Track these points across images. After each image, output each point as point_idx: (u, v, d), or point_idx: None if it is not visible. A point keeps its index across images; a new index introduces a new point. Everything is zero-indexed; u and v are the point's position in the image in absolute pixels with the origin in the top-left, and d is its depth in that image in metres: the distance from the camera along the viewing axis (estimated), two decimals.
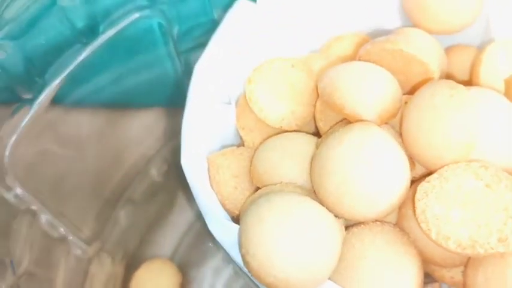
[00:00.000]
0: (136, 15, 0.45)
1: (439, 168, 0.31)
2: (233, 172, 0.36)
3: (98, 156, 0.51)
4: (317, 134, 0.37)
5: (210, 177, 0.35)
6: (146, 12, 0.45)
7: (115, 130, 0.54)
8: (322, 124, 0.36)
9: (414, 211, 0.30)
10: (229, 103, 0.38)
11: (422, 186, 0.30)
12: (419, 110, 0.31)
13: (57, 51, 0.42)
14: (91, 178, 0.49)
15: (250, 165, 0.35)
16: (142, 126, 0.56)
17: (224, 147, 0.38)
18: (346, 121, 0.34)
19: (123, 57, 0.49)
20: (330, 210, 0.31)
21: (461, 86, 0.31)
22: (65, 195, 0.44)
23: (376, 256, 0.30)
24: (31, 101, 0.42)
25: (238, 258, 0.30)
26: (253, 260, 0.28)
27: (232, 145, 0.38)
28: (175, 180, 0.55)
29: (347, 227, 0.32)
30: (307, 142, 0.35)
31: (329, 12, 0.42)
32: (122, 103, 0.53)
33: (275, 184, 0.33)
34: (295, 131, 0.37)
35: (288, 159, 0.34)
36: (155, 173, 0.55)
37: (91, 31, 0.42)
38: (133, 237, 0.53)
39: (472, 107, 0.30)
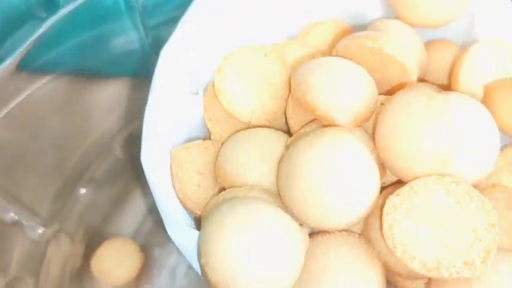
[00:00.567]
0: None
1: (411, 179, 0.30)
2: (197, 168, 0.34)
3: (58, 132, 0.48)
4: (288, 131, 0.36)
5: (172, 174, 0.33)
6: None
7: (78, 101, 0.51)
8: (293, 122, 0.34)
9: (381, 224, 0.29)
10: (197, 93, 0.36)
11: (391, 200, 0.29)
12: (394, 117, 0.30)
13: (15, 25, 0.38)
14: (50, 157, 0.46)
15: (216, 163, 0.34)
16: (107, 99, 0.54)
17: (190, 139, 0.36)
18: (318, 122, 0.32)
19: (87, 26, 0.47)
20: (296, 218, 0.30)
21: (438, 94, 0.29)
22: (20, 177, 0.42)
23: (339, 269, 0.29)
24: None
25: (196, 266, 0.29)
26: (213, 272, 0.27)
27: (198, 137, 0.36)
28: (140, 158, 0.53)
29: (312, 234, 0.31)
30: (276, 141, 0.33)
31: None
32: (86, 73, 0.51)
33: (240, 187, 0.31)
34: (264, 126, 0.35)
35: (255, 159, 0.32)
36: (119, 150, 0.53)
37: (51, 4, 0.39)
38: (94, 216, 0.52)
39: (449, 118, 0.29)
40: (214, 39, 0.37)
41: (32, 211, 0.43)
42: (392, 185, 0.32)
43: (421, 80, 0.38)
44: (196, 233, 0.29)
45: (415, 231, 0.28)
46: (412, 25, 0.38)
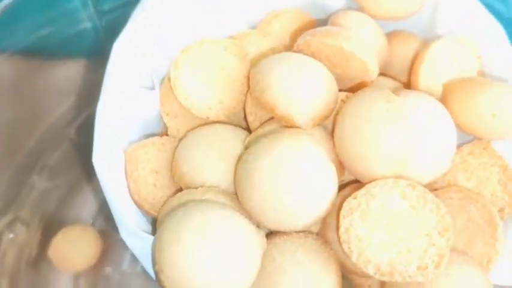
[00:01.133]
0: None
1: (369, 180, 0.30)
2: (153, 167, 0.33)
3: (9, 118, 0.46)
4: (247, 127, 0.35)
5: (126, 174, 0.32)
6: None
7: (30, 85, 0.49)
8: (252, 119, 0.34)
9: (338, 227, 0.29)
10: (153, 88, 0.35)
11: (348, 202, 0.29)
12: (353, 120, 0.30)
13: None
14: (1, 144, 0.44)
15: (172, 162, 0.33)
16: (60, 82, 0.51)
17: (146, 135, 0.35)
18: (278, 120, 0.32)
19: (39, 7, 0.45)
20: (254, 220, 0.29)
21: (396, 98, 0.29)
22: None
23: (296, 272, 0.29)
24: None
25: (150, 270, 0.29)
26: (168, 280, 0.27)
27: (154, 133, 0.35)
28: None
29: (269, 235, 0.31)
30: (234, 139, 0.33)
31: None
32: (38, 55, 0.49)
33: (196, 188, 0.31)
34: (223, 121, 0.34)
35: (212, 160, 0.31)
36: (74, 135, 0.51)
37: None
38: (50, 204, 0.50)
39: (407, 122, 0.29)
40: (170, 31, 0.36)
41: None
42: (350, 184, 0.32)
43: (382, 73, 0.37)
44: (150, 237, 0.29)
45: (370, 236, 0.28)
46: (374, 17, 0.37)
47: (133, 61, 0.34)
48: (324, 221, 0.31)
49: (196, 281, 0.26)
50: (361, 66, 0.32)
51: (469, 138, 0.34)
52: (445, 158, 0.31)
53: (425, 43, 0.36)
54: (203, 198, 0.30)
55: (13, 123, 0.48)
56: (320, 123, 0.32)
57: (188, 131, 0.34)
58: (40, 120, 0.50)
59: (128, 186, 0.32)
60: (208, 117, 0.34)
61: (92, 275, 0.50)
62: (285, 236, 0.30)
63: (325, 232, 0.31)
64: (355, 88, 0.34)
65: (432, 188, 0.33)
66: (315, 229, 0.32)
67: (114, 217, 0.30)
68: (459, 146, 0.33)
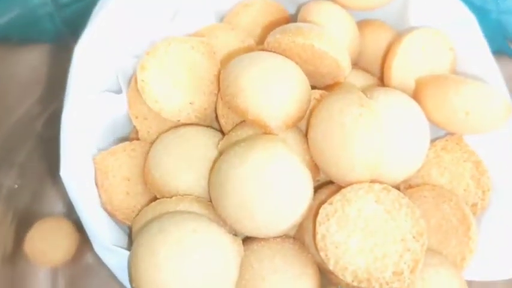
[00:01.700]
0: None
1: (343, 184, 0.29)
2: (124, 174, 0.32)
3: None
4: (220, 128, 0.34)
5: (97, 184, 0.31)
6: None
7: None
8: (224, 121, 0.33)
9: (314, 234, 0.29)
10: (120, 91, 0.33)
11: (324, 209, 0.29)
12: (327, 124, 0.29)
13: None
14: None
15: (144, 168, 0.32)
16: (23, 71, 0.49)
17: (116, 140, 0.34)
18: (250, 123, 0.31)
19: None
20: (230, 227, 0.29)
21: (369, 101, 0.29)
22: None
23: (274, 278, 0.29)
24: None
25: (127, 284, 0.28)
26: None
27: (123, 137, 0.34)
28: None
29: (247, 240, 0.31)
30: (206, 143, 0.32)
31: None
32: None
33: (170, 197, 0.30)
34: (195, 123, 0.34)
35: (184, 166, 0.31)
36: (42, 128, 0.49)
37: None
38: (23, 198, 0.49)
39: (380, 126, 0.28)
40: (133, 27, 0.34)
41: None
42: (326, 185, 0.32)
43: (354, 64, 0.37)
44: (125, 252, 0.28)
45: (346, 242, 0.28)
46: (345, 7, 0.36)
47: (97, 64, 0.32)
48: (300, 225, 0.31)
49: None
50: (334, 64, 0.32)
51: (441, 133, 0.34)
52: (419, 156, 0.31)
53: (397, 36, 0.35)
54: (177, 208, 0.29)
55: None
56: (293, 126, 0.31)
57: (159, 134, 0.33)
58: (4, 118, 0.48)
59: (100, 197, 0.31)
60: (179, 120, 0.33)
61: (71, 267, 0.50)
62: (262, 242, 0.30)
63: (302, 236, 0.31)
64: (328, 87, 0.33)
65: (407, 184, 0.33)
66: (292, 232, 0.32)
67: (87, 232, 0.29)
68: (432, 140, 0.33)
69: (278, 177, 0.28)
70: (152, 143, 0.33)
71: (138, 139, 0.34)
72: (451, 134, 0.33)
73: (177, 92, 0.33)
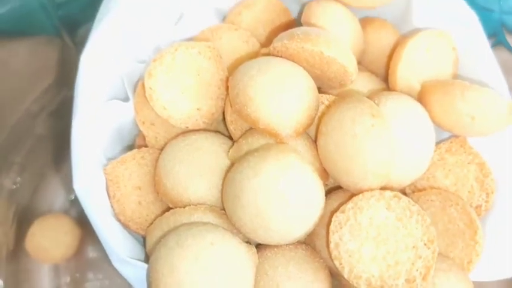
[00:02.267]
0: None
1: (354, 191, 0.30)
2: (135, 183, 0.32)
3: None
4: (227, 132, 0.34)
5: (109, 195, 0.31)
6: None
7: None
8: (233, 128, 0.33)
9: (327, 242, 0.29)
10: (127, 98, 0.33)
11: (337, 217, 0.29)
12: (338, 134, 0.29)
13: None
14: None
15: (155, 177, 0.32)
16: (19, 62, 0.48)
17: (125, 148, 0.34)
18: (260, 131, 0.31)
19: None
20: (243, 235, 0.30)
21: (380, 111, 0.29)
22: None
23: (288, 285, 0.30)
24: None
25: None
26: None
27: (130, 145, 0.34)
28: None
29: (260, 247, 0.31)
30: (216, 151, 0.32)
31: None
32: None
33: (184, 207, 0.30)
34: (203, 129, 0.34)
35: (196, 175, 0.31)
36: (41, 126, 0.49)
37: None
38: (23, 197, 0.49)
39: (390, 136, 0.29)
40: (138, 32, 0.33)
41: None
42: (335, 189, 0.33)
43: (358, 62, 0.37)
44: (143, 265, 0.29)
45: (360, 250, 0.29)
46: (348, 5, 0.36)
47: (103, 71, 0.32)
48: (312, 231, 0.32)
49: None
50: (341, 70, 0.32)
51: (445, 135, 0.34)
52: (425, 159, 0.32)
53: (401, 39, 0.35)
54: (191, 218, 0.30)
55: None
56: (303, 133, 0.31)
57: (168, 141, 0.33)
58: (3, 120, 0.47)
59: (112, 207, 0.31)
60: (187, 127, 0.33)
61: (73, 262, 0.50)
62: (275, 249, 0.31)
63: (313, 241, 0.32)
64: (335, 90, 0.33)
65: (412, 186, 0.34)
66: (303, 238, 0.32)
67: (104, 246, 0.30)
68: (437, 143, 0.33)
69: (291, 187, 0.28)
70: (161, 149, 0.33)
71: (145, 145, 0.34)
72: (455, 136, 0.34)
73: (185, 98, 0.33)
